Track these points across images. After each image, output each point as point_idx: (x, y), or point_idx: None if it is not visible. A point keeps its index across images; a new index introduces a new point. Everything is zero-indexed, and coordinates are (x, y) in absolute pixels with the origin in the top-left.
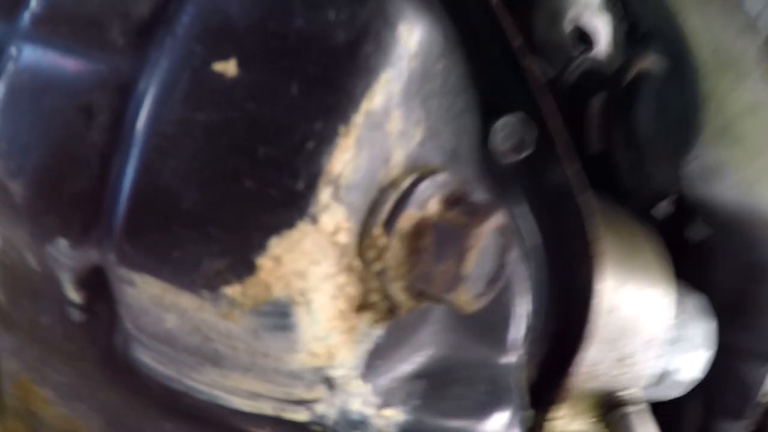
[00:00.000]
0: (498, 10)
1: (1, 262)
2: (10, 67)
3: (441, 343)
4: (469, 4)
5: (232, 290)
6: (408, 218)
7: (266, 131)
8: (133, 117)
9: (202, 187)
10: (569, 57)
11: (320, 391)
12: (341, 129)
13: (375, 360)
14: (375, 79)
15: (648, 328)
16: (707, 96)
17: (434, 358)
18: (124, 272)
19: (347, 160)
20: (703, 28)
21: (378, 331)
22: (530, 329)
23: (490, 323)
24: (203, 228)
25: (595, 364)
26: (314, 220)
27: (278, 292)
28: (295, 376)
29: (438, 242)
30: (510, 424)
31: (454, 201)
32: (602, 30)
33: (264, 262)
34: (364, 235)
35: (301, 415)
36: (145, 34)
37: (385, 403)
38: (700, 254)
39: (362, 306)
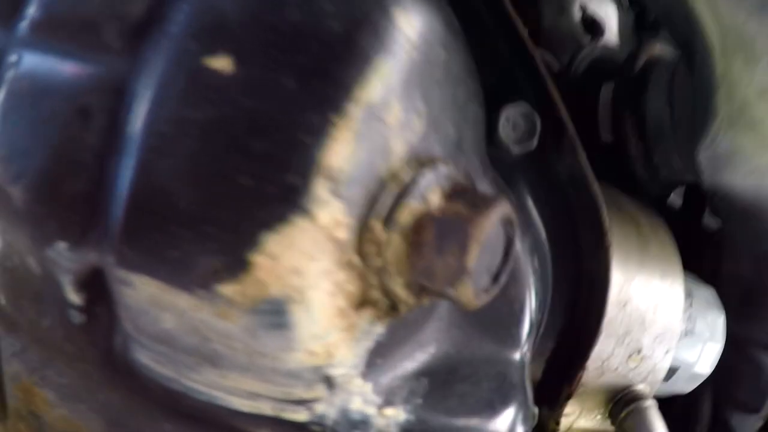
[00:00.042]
0: None
1: (3, 266)
2: (11, 74)
3: (445, 340)
4: None
5: (228, 289)
6: (409, 212)
7: (261, 126)
8: (129, 118)
9: (198, 185)
10: (578, 46)
11: (320, 390)
12: (336, 120)
13: (376, 358)
14: (370, 67)
15: (658, 322)
16: (719, 81)
17: (438, 356)
18: (121, 273)
19: (343, 152)
20: (712, 10)
21: (379, 329)
22: (537, 324)
23: (495, 319)
24: (199, 227)
25: (604, 359)
26: (310, 214)
27: (274, 289)
28: (294, 375)
29: (439, 235)
30: (517, 422)
31: (456, 193)
32: (611, 18)
33: (259, 259)
34: (363, 230)
35: (300, 415)
36: (141, 34)
37: (387, 402)
38: (714, 244)
39: (362, 303)
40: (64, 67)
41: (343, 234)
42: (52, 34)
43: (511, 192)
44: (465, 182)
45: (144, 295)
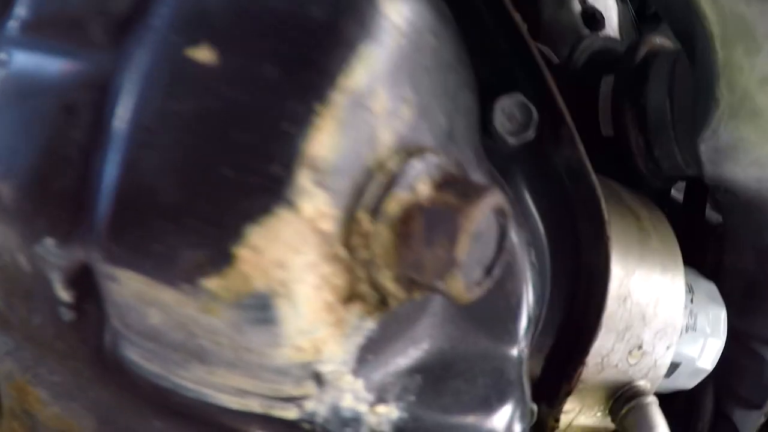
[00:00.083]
0: None
1: None
2: (1, 73)
3: (439, 336)
4: None
5: (211, 283)
6: (396, 202)
7: (243, 116)
8: (114, 113)
9: (181, 177)
10: (578, 39)
11: (309, 387)
12: (318, 108)
13: (367, 354)
14: (354, 54)
15: (659, 317)
16: (720, 70)
17: (432, 352)
18: (108, 269)
19: (327, 141)
20: None
21: (369, 324)
22: (535, 320)
23: (492, 314)
24: (182, 220)
25: (604, 355)
26: (293, 205)
27: (259, 283)
28: (282, 371)
29: (428, 226)
30: (514, 419)
31: (446, 183)
32: (611, 10)
33: (242, 252)
34: (349, 221)
35: (290, 413)
36: (125, 29)
37: (379, 400)
38: (717, 237)
39: (350, 297)
40: (51, 65)
41: (329, 226)
42: (40, 32)
43: (507, 184)
44: (456, 172)
45: (130, 290)
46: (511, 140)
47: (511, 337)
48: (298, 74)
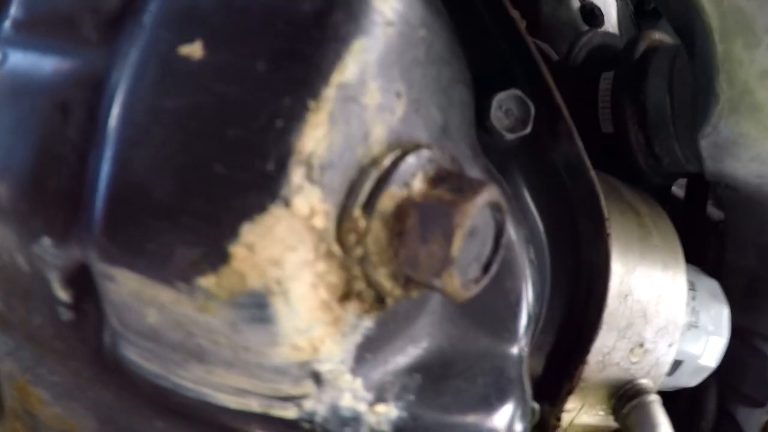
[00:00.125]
0: None
1: None
2: None
3: (438, 335)
4: None
5: (206, 281)
6: (390, 198)
7: (235, 112)
8: (106, 110)
9: (173, 175)
10: (577, 34)
11: (308, 386)
12: (311, 104)
13: (365, 353)
14: (345, 48)
15: (661, 315)
16: (720, 64)
17: (431, 351)
18: (104, 268)
19: (320, 137)
20: None
21: (367, 323)
22: (535, 318)
23: (491, 312)
24: (175, 218)
25: (606, 353)
26: (287, 202)
27: (254, 281)
28: (280, 371)
29: (422, 222)
30: (515, 418)
31: (440, 178)
32: (610, 6)
33: (237, 249)
34: (342, 218)
35: (289, 412)
36: (116, 26)
37: (378, 399)
38: (718, 234)
39: (346, 295)
40: (45, 64)
41: (322, 222)
42: (33, 31)
43: (505, 180)
44: (450, 167)
45: (127, 289)
46: (509, 136)
47: (510, 335)
48: (290, 70)
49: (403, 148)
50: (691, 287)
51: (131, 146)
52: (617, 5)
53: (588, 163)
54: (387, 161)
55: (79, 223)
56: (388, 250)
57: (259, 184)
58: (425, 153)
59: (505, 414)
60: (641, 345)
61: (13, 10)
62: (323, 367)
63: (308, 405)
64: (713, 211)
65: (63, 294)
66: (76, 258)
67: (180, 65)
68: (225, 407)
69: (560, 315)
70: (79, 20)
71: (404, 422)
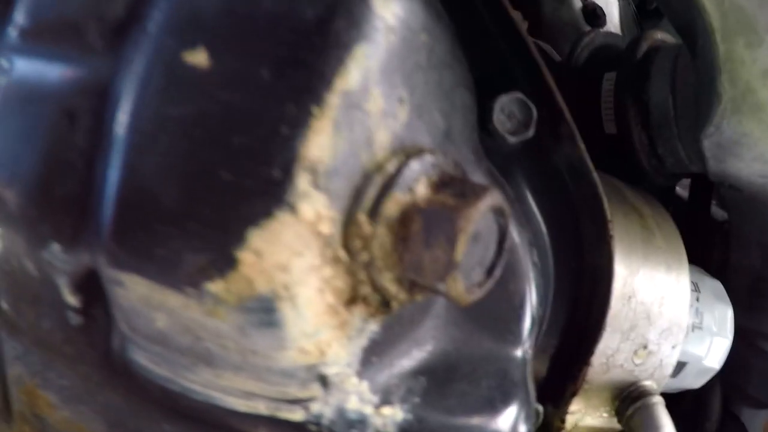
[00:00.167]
0: None
1: (2, 269)
2: (3, 81)
3: (443, 338)
4: None
5: (215, 286)
6: (394, 203)
7: (240, 120)
8: (112, 117)
9: (180, 182)
10: (579, 35)
11: (314, 389)
12: (315, 110)
13: (371, 356)
14: (348, 55)
15: (664, 316)
16: (722, 64)
17: (436, 354)
18: (113, 273)
19: (324, 143)
20: None
21: (373, 327)
22: (538, 320)
23: (495, 315)
24: (184, 224)
25: (609, 355)
26: (293, 208)
27: (261, 286)
28: (288, 374)
29: (426, 227)
30: (519, 421)
31: (444, 183)
32: (612, 6)
33: (245, 255)
34: (348, 223)
35: (296, 415)
36: (122, 33)
37: (384, 401)
38: (722, 235)
39: (352, 299)
40: (52, 71)
41: (328, 228)
42: (39, 38)
43: (508, 183)
44: (454, 172)
45: (136, 294)
46: (511, 139)
47: (514, 338)
48: (293, 77)
49: (407, 153)
50: (695, 288)
51: (138, 153)
52: (619, 5)
53: (590, 165)
54: (391, 167)
55: (88, 228)
56: (393, 255)
57: (265, 190)
58: (428, 158)
59: (509, 416)
60: (645, 347)
61: (18, 17)
62: (330, 371)
63: (315, 408)
64: (717, 212)
65: (72, 299)
66: (84, 263)
67: (184, 73)
68: (233, 410)
69: (564, 317)
70: (85, 27)
71: (409, 424)
